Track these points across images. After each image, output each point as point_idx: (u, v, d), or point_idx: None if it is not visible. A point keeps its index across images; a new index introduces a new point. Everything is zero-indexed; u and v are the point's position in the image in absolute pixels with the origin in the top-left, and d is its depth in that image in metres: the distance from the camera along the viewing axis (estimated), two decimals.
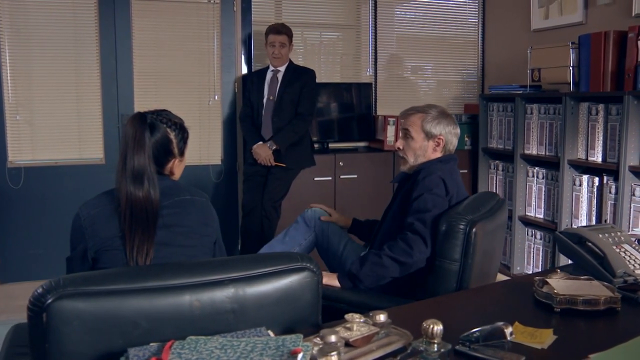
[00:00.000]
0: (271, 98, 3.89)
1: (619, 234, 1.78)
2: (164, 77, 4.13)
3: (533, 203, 3.83)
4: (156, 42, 4.09)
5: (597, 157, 3.33)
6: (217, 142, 4.29)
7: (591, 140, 3.37)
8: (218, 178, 4.28)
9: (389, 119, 4.33)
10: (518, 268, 3.92)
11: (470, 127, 4.47)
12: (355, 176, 4.24)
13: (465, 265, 1.91)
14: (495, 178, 4.17)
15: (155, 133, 1.75)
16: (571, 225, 3.50)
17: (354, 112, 4.54)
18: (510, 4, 4.50)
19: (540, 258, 3.79)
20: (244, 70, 4.31)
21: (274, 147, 3.79)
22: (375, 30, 4.61)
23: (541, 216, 3.78)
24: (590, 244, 1.72)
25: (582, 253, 1.71)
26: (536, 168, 3.79)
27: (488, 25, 4.82)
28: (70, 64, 3.93)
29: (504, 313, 1.50)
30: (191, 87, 4.20)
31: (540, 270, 3.78)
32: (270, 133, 3.86)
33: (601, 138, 3.31)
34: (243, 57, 4.30)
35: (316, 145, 4.31)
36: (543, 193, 3.75)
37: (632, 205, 3.13)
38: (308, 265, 1.37)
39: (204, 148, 4.20)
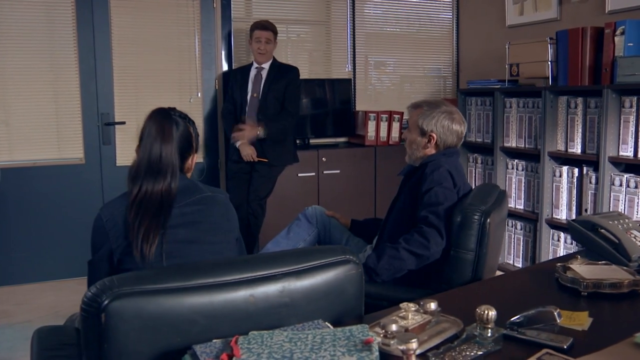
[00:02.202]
0: (255, 95, 3.88)
1: (626, 220, 1.87)
2: (144, 74, 4.06)
3: (513, 194, 3.94)
4: (136, 39, 4.01)
5: (577, 149, 3.46)
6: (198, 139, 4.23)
7: (570, 132, 3.49)
8: (200, 176, 4.24)
9: (369, 114, 4.38)
10: (499, 258, 4.02)
11: None
12: (338, 171, 4.28)
13: (480, 255, 1.97)
14: (474, 171, 4.27)
15: (179, 127, 1.76)
16: (552, 215, 3.62)
17: (333, 108, 4.57)
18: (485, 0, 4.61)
19: (521, 248, 3.90)
20: (225, 67, 4.28)
21: (260, 133, 3.74)
22: (354, 26, 4.65)
23: (521, 207, 3.89)
24: (603, 230, 1.80)
25: (597, 240, 1.79)
26: (516, 160, 3.90)
27: (462, 21, 4.92)
28: (47, 61, 3.82)
29: (533, 298, 1.55)
30: (172, 84, 4.14)
31: (521, 260, 3.90)
32: None
33: (580, 130, 3.44)
34: (223, 53, 4.27)
35: (297, 141, 4.32)
36: (523, 184, 3.87)
37: (611, 195, 3.26)
38: (351, 257, 1.39)
39: None
